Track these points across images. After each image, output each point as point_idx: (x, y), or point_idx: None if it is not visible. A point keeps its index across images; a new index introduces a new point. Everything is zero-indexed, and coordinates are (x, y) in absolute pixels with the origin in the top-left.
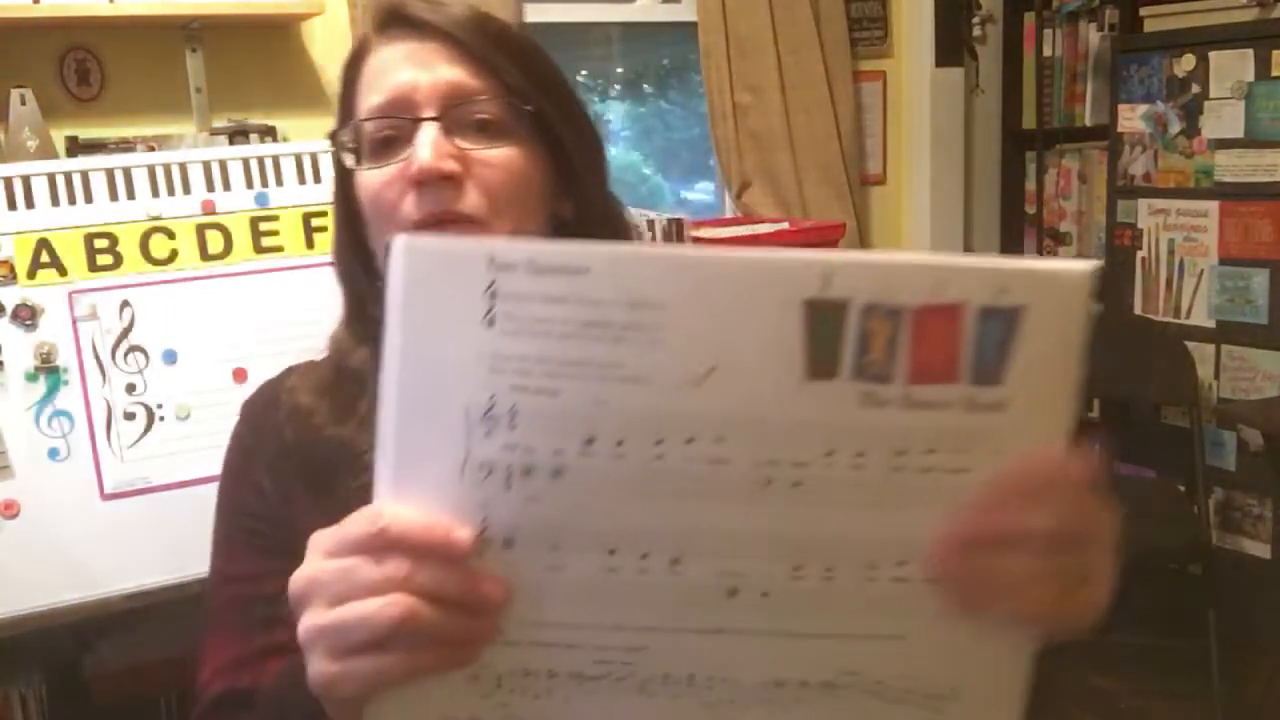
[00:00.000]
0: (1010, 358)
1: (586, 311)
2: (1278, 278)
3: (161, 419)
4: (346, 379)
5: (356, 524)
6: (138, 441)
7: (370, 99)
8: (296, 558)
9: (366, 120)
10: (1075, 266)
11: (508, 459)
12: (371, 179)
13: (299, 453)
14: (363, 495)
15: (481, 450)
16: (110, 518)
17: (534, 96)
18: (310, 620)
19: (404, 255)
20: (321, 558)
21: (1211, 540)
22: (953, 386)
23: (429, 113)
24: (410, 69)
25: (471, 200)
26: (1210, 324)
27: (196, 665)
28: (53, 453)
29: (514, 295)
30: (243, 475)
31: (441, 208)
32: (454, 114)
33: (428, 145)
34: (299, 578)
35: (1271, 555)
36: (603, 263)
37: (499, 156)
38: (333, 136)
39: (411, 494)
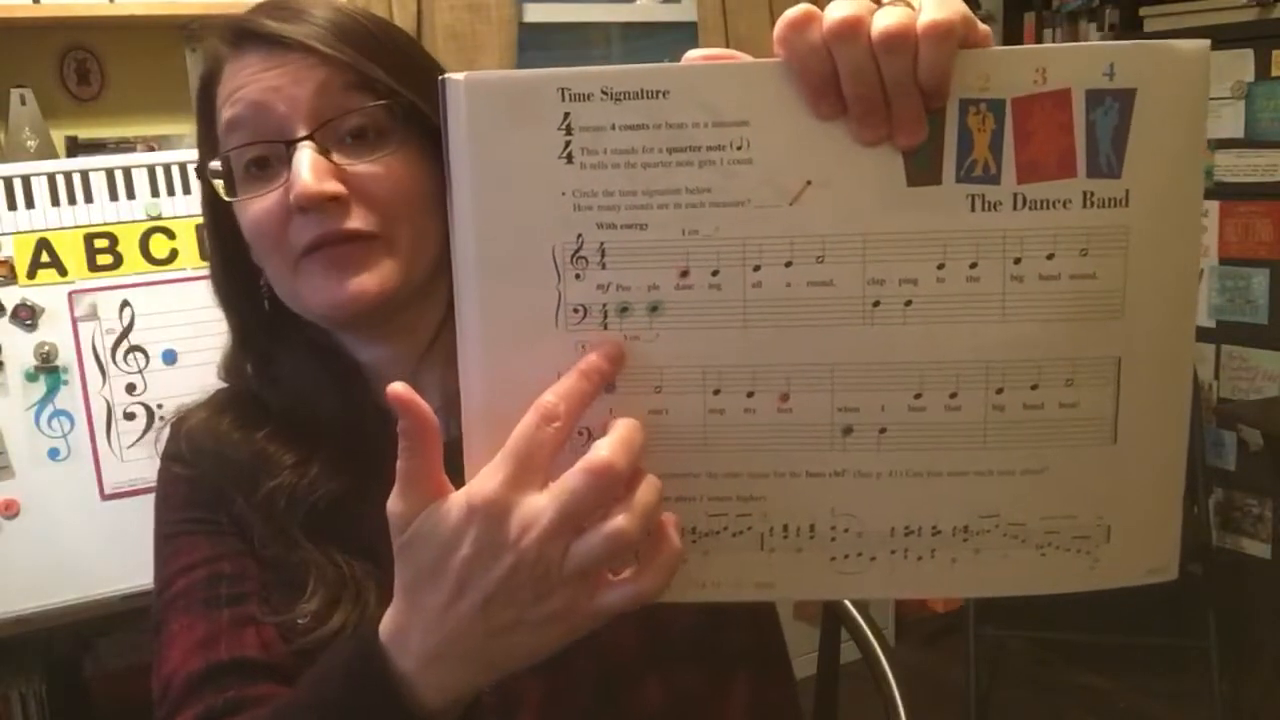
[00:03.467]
0: (1127, 146)
1: (669, 137)
2: (1278, 278)
3: (161, 419)
4: (242, 402)
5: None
6: (138, 441)
7: (234, 125)
8: (251, 545)
9: (233, 149)
10: (1189, 42)
11: (602, 299)
12: (250, 210)
13: (218, 459)
14: (273, 499)
15: (574, 293)
16: (110, 518)
17: (408, 92)
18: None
19: (467, 94)
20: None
21: (1211, 540)
22: (1068, 182)
23: (300, 132)
24: (272, 87)
25: (361, 218)
26: (1210, 324)
27: (155, 663)
28: (53, 453)
29: (591, 127)
30: (177, 483)
31: (329, 228)
32: (326, 129)
33: (306, 168)
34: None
35: (1271, 555)
36: (682, 82)
37: (382, 166)
38: (200, 169)
39: (505, 346)
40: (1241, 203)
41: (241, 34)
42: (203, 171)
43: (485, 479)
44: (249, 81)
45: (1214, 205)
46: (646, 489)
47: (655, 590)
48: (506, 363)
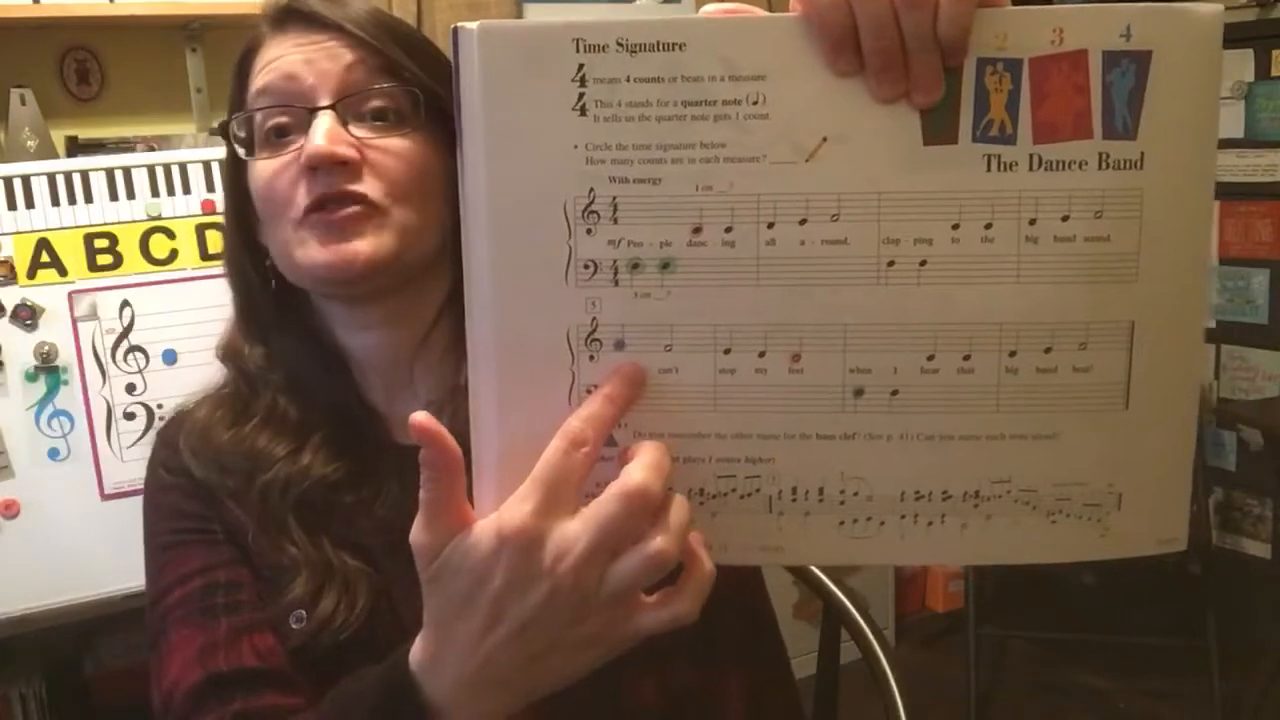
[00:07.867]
0: (1143, 108)
1: (685, 90)
2: (1278, 278)
3: (161, 419)
4: (236, 399)
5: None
6: (138, 441)
7: (264, 90)
8: (245, 551)
9: (259, 109)
10: (1203, 5)
11: (613, 255)
12: (264, 169)
13: (210, 463)
14: (267, 491)
15: (585, 248)
16: (110, 518)
17: (433, 88)
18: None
19: (480, 43)
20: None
21: (1211, 540)
22: (1083, 143)
23: (324, 101)
24: (305, 60)
25: (368, 185)
26: (1210, 324)
27: (154, 676)
28: (53, 453)
29: (606, 79)
30: (168, 492)
31: (336, 187)
32: (349, 103)
33: (321, 131)
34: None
35: (1271, 555)
36: (699, 35)
37: (397, 145)
38: (223, 127)
39: (514, 301)
40: (1241, 203)
41: (285, 12)
42: (226, 131)
43: (514, 508)
44: (285, 54)
45: (1214, 205)
46: (679, 509)
47: (691, 612)
48: (515, 317)
